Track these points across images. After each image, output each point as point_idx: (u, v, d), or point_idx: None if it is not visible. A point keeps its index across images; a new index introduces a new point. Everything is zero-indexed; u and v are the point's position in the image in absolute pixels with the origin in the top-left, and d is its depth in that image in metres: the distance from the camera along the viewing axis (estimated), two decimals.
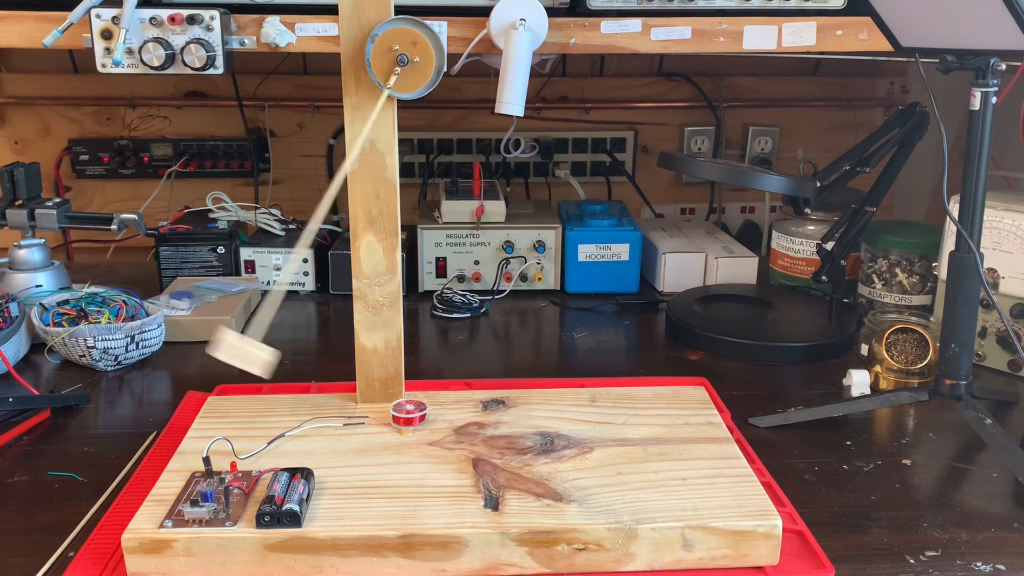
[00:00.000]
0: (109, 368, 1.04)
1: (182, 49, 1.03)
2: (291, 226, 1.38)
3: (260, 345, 0.73)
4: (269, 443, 0.77)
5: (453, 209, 1.32)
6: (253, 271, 1.32)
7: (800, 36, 1.09)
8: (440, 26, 1.05)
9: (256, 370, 0.73)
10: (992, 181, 0.85)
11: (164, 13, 1.02)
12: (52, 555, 0.69)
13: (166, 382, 1.03)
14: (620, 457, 0.76)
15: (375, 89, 0.77)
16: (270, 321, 0.74)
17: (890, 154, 1.11)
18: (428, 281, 1.32)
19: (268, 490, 0.68)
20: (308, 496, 0.69)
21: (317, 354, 1.14)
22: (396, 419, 0.81)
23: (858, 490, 0.80)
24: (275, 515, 0.66)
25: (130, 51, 1.03)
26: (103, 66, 1.03)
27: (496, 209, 1.31)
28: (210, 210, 1.38)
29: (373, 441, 0.79)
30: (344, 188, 0.81)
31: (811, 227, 1.29)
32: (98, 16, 1.01)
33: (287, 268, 0.84)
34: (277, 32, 1.05)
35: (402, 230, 0.84)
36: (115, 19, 1.01)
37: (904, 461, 0.85)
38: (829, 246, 1.17)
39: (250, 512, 0.67)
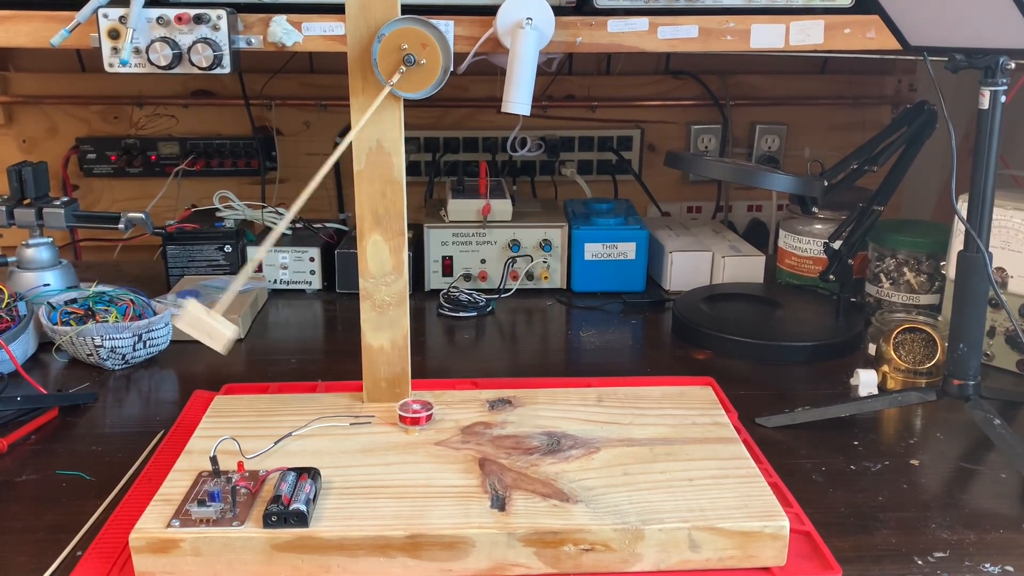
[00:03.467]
0: (116, 367, 1.05)
1: (189, 48, 1.03)
2: (298, 225, 1.38)
3: (224, 321, 0.71)
4: (276, 443, 0.78)
5: (459, 208, 1.32)
6: (260, 270, 1.32)
7: (808, 34, 1.09)
8: (447, 25, 1.05)
9: (217, 346, 0.71)
10: (1000, 180, 0.85)
11: (171, 13, 1.02)
12: (60, 554, 0.69)
13: (173, 381, 1.03)
14: (627, 457, 0.76)
15: (382, 88, 0.77)
16: (233, 296, 0.72)
17: (898, 153, 1.11)
18: (434, 280, 1.32)
19: (275, 490, 0.68)
20: (315, 496, 0.69)
21: (323, 353, 1.14)
22: (403, 419, 0.81)
23: (866, 490, 0.80)
24: (282, 515, 0.66)
25: (137, 50, 1.03)
26: (110, 66, 1.03)
27: (502, 208, 1.31)
28: (217, 209, 1.38)
29: (380, 441, 0.79)
30: (351, 187, 0.81)
31: (818, 226, 1.29)
32: (105, 16, 1.02)
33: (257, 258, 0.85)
34: (284, 31, 1.05)
35: (408, 229, 0.84)
36: (122, 19, 1.01)
37: (912, 461, 0.85)
38: (836, 245, 1.16)
39: (257, 512, 0.67)
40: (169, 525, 0.66)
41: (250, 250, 1.31)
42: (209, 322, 0.71)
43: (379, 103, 0.76)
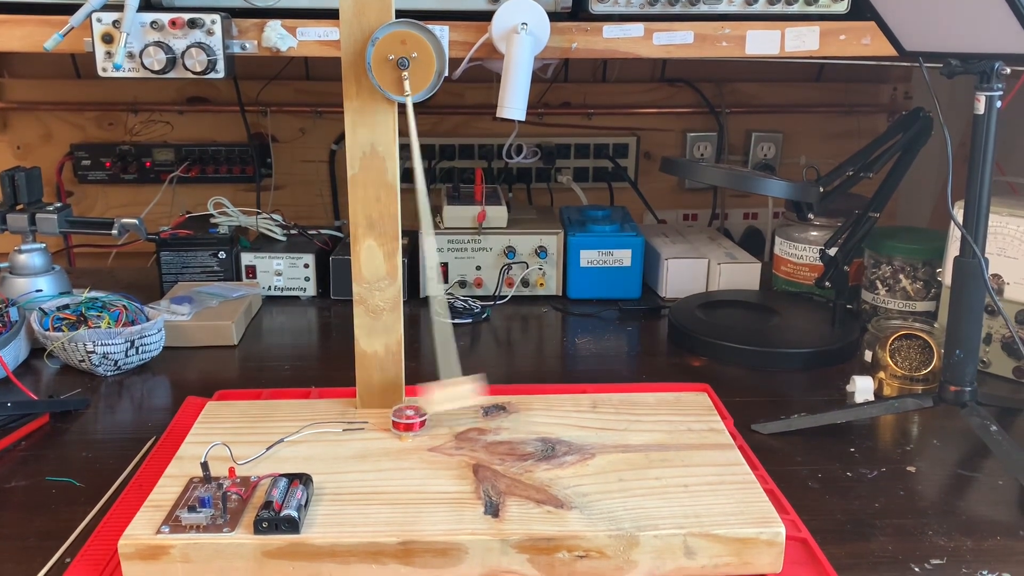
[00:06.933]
0: (108, 373, 1.04)
1: (183, 53, 1.03)
2: (292, 231, 1.38)
3: (462, 379, 0.81)
4: (268, 448, 0.77)
5: (455, 214, 1.31)
6: (254, 276, 1.31)
7: (803, 41, 1.09)
8: (441, 30, 1.05)
9: (472, 401, 0.81)
10: (996, 186, 0.85)
11: (165, 17, 1.02)
12: (48, 561, 0.69)
13: (165, 387, 1.03)
14: (622, 463, 0.76)
15: (375, 93, 0.77)
16: (455, 354, 0.81)
17: (893, 159, 1.11)
18: (430, 286, 1.32)
19: (266, 496, 0.67)
20: (307, 502, 0.68)
21: (317, 359, 1.13)
22: (396, 424, 0.80)
23: (862, 497, 0.79)
24: (273, 521, 0.65)
25: (131, 55, 1.03)
26: (104, 70, 1.03)
27: (498, 214, 1.31)
28: (211, 215, 1.38)
29: (373, 447, 0.79)
30: (347, 195, 0.81)
31: (814, 233, 1.28)
32: (99, 20, 1.01)
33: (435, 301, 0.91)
34: (278, 36, 1.05)
35: (403, 235, 0.84)
36: (116, 23, 1.01)
37: (908, 468, 0.85)
38: (832, 252, 1.16)
39: (248, 518, 0.66)
40: (159, 531, 0.65)
41: (244, 256, 1.31)
42: (453, 390, 0.80)
43: (410, 114, 0.77)
